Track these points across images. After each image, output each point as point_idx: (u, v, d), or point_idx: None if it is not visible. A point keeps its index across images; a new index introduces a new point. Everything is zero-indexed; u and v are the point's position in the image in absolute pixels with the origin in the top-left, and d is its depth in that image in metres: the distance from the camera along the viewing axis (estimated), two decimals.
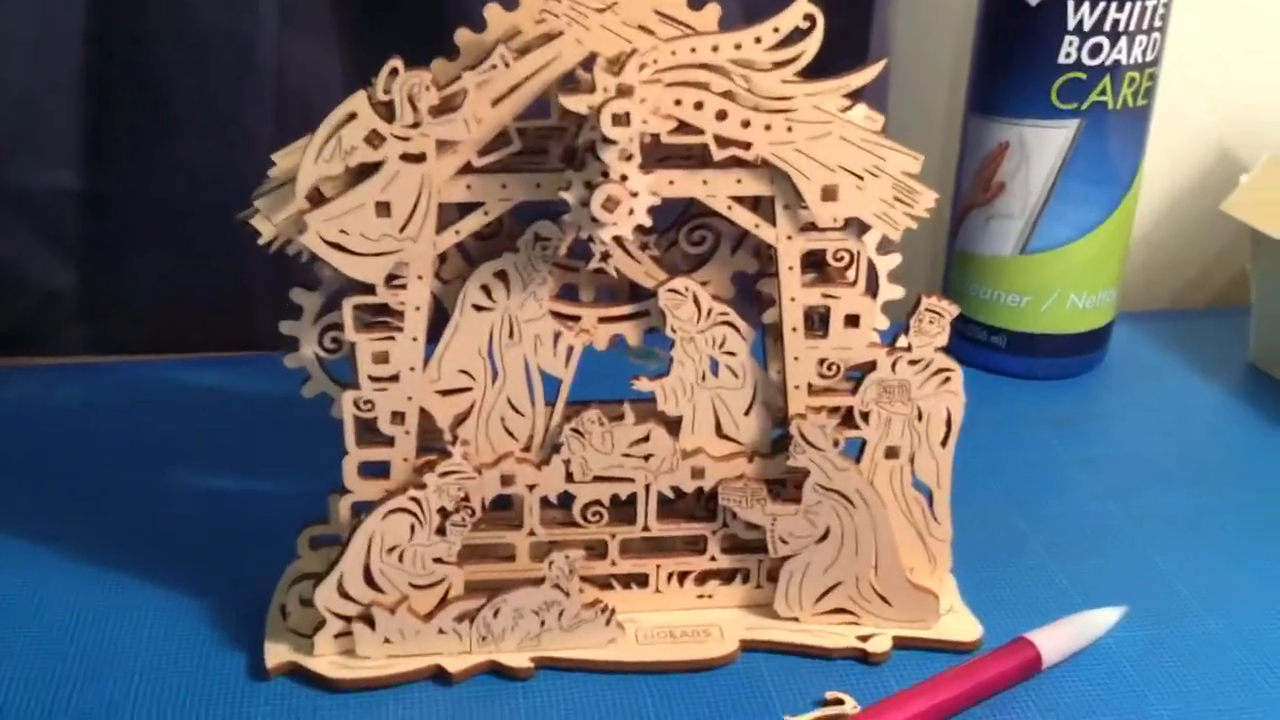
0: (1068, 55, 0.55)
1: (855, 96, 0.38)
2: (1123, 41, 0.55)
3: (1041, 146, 0.57)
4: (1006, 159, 0.58)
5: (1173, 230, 0.75)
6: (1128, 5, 0.54)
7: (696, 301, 0.40)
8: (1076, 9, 0.54)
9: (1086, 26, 0.54)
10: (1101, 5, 0.54)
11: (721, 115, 0.36)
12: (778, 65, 0.36)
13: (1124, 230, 0.60)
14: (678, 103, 0.36)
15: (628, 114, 0.34)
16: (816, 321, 0.41)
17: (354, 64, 0.61)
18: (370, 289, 0.37)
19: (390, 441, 0.39)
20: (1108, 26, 0.54)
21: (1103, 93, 0.55)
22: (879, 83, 0.60)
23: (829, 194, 0.38)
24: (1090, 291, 0.60)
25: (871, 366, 0.41)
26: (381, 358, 0.38)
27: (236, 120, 0.60)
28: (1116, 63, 0.55)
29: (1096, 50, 0.55)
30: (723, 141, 0.36)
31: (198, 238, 0.62)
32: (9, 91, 0.60)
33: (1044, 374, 0.62)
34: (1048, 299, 0.60)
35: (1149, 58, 0.56)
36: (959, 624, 0.44)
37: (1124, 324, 0.66)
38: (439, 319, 0.39)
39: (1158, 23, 0.56)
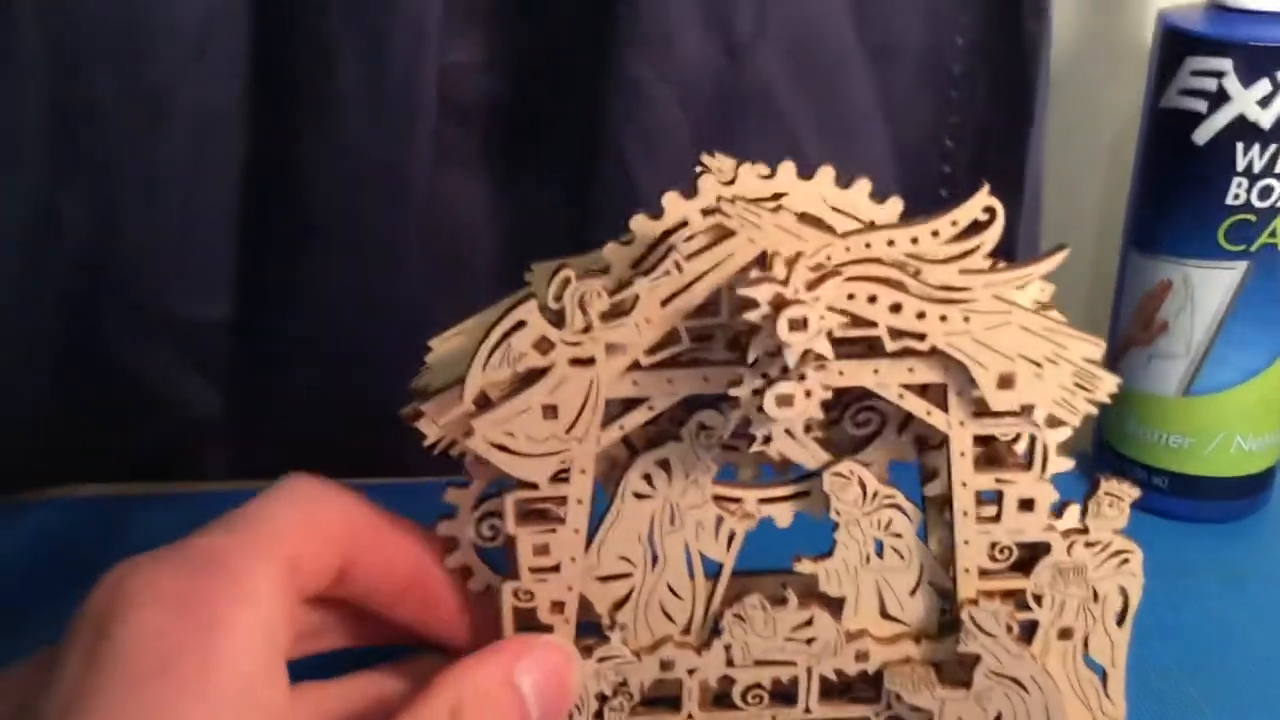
0: (1236, 197, 0.52)
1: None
2: None
3: (1207, 287, 0.55)
4: (1170, 298, 0.56)
5: None
6: None
7: (862, 484, 0.39)
8: (1246, 151, 0.52)
9: (1256, 169, 0.52)
10: (1272, 148, 0.51)
11: (896, 308, 0.35)
12: (955, 257, 0.35)
13: None
14: (851, 297, 0.34)
15: (804, 319, 0.33)
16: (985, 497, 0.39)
17: (500, 195, 0.61)
18: (533, 484, 0.36)
19: (549, 630, 0.39)
20: (1279, 169, 0.52)
21: (1273, 234, 0.53)
22: (1032, 221, 0.59)
23: (1005, 382, 0.36)
24: (1256, 434, 0.57)
25: (1046, 549, 0.39)
26: (542, 550, 0.37)
27: (387, 251, 0.60)
28: None
29: (1266, 192, 0.52)
30: (896, 333, 0.35)
31: (346, 364, 0.61)
32: (166, 220, 0.60)
33: (1208, 517, 0.59)
34: (1212, 441, 0.57)
35: None
36: None
37: None
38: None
39: None
